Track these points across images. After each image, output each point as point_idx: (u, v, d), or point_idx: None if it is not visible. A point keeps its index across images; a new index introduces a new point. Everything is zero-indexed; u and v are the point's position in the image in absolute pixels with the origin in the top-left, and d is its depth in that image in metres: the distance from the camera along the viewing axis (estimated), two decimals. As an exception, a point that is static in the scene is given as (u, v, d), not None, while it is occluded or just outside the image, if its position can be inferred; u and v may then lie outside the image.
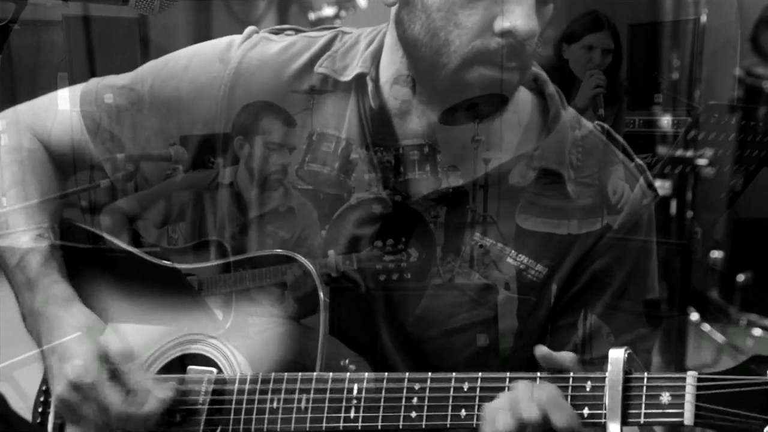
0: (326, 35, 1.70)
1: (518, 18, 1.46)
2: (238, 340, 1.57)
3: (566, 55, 3.16)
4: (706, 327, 2.55)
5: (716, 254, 2.72)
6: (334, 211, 1.64)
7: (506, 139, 1.61)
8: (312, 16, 2.93)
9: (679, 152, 2.53)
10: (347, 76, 1.63)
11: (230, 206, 1.69)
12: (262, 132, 1.66)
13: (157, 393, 1.51)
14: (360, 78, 1.62)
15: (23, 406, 1.65)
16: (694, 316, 2.56)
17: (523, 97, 1.64)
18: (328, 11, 2.83)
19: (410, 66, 1.57)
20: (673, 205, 2.40)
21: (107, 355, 1.52)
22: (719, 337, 2.52)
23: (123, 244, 1.70)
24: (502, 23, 1.46)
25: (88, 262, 1.69)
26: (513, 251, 1.60)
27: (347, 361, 1.56)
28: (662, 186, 2.40)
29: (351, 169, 1.63)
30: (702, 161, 2.52)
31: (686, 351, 2.41)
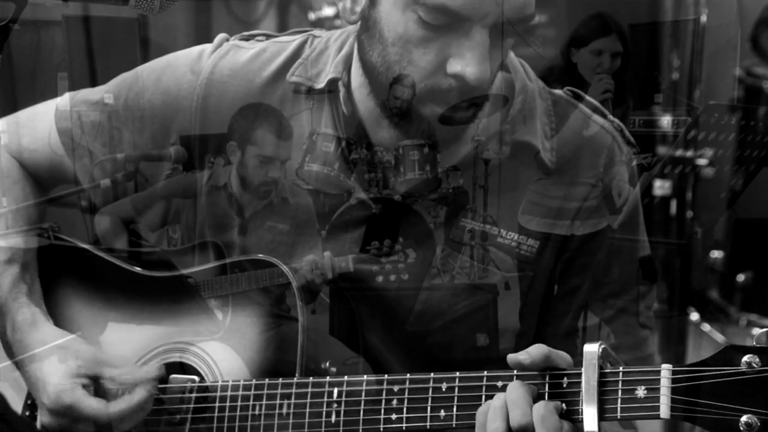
0: (296, 40, 1.70)
1: (468, 64, 1.47)
2: (235, 341, 1.57)
3: (575, 59, 3.16)
4: (706, 327, 2.55)
5: (716, 254, 2.72)
6: (334, 211, 1.64)
7: (479, 117, 1.62)
8: (312, 16, 2.92)
9: (679, 152, 2.53)
10: (320, 83, 1.64)
11: (226, 207, 1.69)
12: (254, 143, 1.66)
13: (141, 378, 1.50)
14: (332, 83, 1.63)
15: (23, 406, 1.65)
16: (694, 316, 2.56)
17: (493, 98, 1.64)
18: (328, 11, 2.83)
19: (371, 86, 1.58)
20: (673, 205, 2.39)
21: (80, 367, 1.51)
22: (719, 337, 2.52)
23: (105, 253, 1.70)
24: (452, 66, 1.47)
25: (80, 269, 1.68)
26: (502, 230, 1.61)
27: (327, 363, 1.56)
28: (662, 186, 2.40)
29: (351, 169, 1.63)
30: (702, 161, 2.52)
31: (686, 351, 2.41)
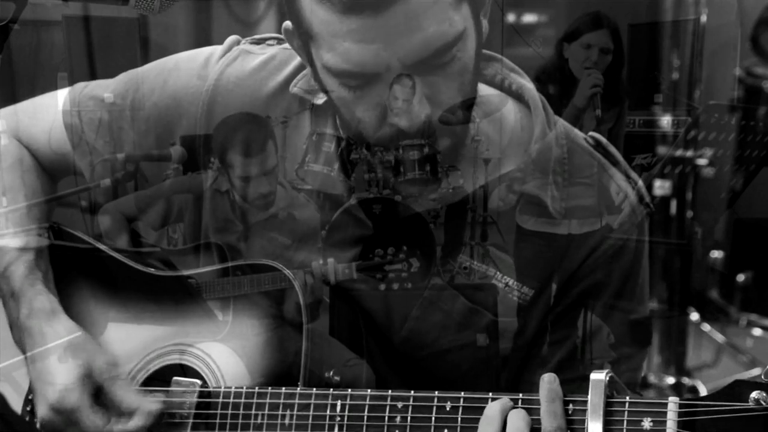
0: None
1: (397, 114, 1.47)
2: (236, 342, 1.57)
3: (566, 54, 3.16)
4: (706, 327, 2.55)
5: (716, 254, 2.72)
6: (334, 212, 1.64)
7: (488, 156, 1.62)
8: (312, 16, 2.91)
9: (679, 152, 2.53)
10: (320, 99, 1.64)
11: (229, 212, 1.69)
12: (231, 165, 1.67)
13: (143, 407, 1.50)
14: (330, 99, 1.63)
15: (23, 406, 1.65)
16: (694, 316, 2.56)
17: (506, 110, 1.63)
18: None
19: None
20: (673, 205, 2.39)
21: (90, 373, 1.51)
22: (719, 337, 2.52)
23: (110, 250, 1.69)
24: (389, 118, 1.48)
25: (82, 266, 1.68)
26: (498, 273, 1.60)
27: (331, 372, 1.56)
28: (662, 186, 2.40)
29: (351, 169, 1.63)
30: (702, 161, 2.52)
31: (686, 351, 2.41)
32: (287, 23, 1.55)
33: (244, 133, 1.67)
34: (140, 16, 2.68)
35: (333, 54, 1.44)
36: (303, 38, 1.51)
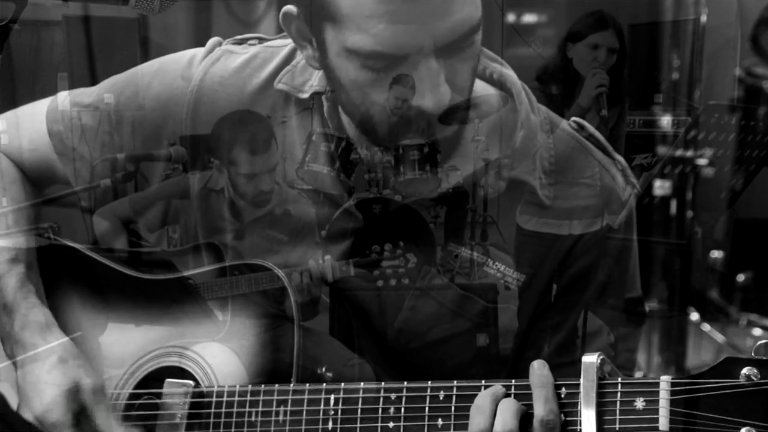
0: (288, 45, 1.70)
1: (422, 96, 1.48)
2: (235, 342, 1.57)
3: (570, 54, 3.16)
4: (706, 327, 2.55)
5: (716, 254, 2.72)
6: (334, 211, 1.64)
7: (488, 156, 1.62)
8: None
9: (679, 152, 2.53)
10: (305, 93, 1.64)
11: (223, 211, 1.69)
12: (234, 163, 1.67)
13: None
14: (316, 96, 1.63)
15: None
16: (694, 316, 2.56)
17: (489, 98, 1.64)
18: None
19: (354, 123, 1.59)
20: (673, 205, 2.39)
21: (77, 391, 1.51)
22: (719, 337, 2.52)
23: (102, 257, 1.69)
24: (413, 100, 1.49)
25: (80, 271, 1.68)
26: (489, 260, 1.61)
27: (323, 369, 1.56)
28: (662, 186, 2.40)
29: (351, 169, 1.63)
30: (702, 161, 2.52)
31: (686, 351, 2.40)
32: (289, 7, 1.55)
33: (250, 130, 1.68)
34: (140, 16, 2.68)
35: (364, 35, 1.44)
36: (317, 21, 1.50)
